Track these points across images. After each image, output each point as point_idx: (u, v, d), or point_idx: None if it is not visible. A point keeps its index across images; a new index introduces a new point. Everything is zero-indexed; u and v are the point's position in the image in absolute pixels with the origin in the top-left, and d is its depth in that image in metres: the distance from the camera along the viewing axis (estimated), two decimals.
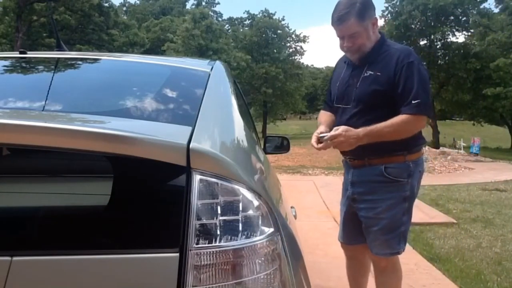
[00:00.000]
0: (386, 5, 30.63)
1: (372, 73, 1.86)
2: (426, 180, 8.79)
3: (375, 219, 1.91)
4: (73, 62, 1.65)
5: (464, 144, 19.45)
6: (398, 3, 29.77)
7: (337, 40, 1.96)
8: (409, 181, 1.88)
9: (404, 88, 1.79)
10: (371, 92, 1.86)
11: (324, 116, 2.13)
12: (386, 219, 1.88)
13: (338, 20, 1.84)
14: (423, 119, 1.84)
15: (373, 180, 1.90)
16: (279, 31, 38.94)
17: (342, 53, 2.07)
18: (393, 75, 1.81)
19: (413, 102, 1.77)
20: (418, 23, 29.27)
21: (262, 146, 2.47)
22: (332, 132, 1.80)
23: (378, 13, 1.99)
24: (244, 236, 0.84)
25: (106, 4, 32.03)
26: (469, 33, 29.85)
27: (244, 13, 47.62)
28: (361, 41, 1.86)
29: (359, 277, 2.23)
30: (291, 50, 40.18)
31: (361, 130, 1.79)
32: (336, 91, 2.04)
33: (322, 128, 1.95)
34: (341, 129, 1.79)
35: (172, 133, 0.93)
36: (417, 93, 1.77)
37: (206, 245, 0.81)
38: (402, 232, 1.91)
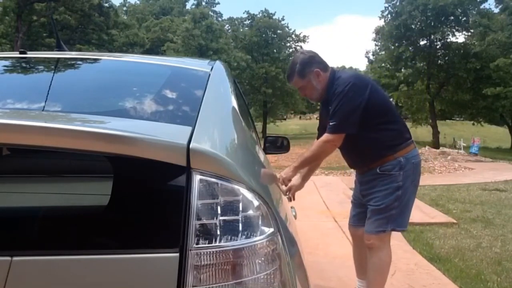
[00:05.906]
0: (386, 5, 30.66)
1: (330, 107, 2.26)
2: (426, 180, 8.86)
3: (374, 205, 2.29)
4: (73, 62, 1.65)
5: (464, 144, 19.46)
6: (398, 3, 29.75)
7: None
8: (401, 173, 2.23)
9: (331, 113, 2.20)
10: None
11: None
12: (382, 204, 2.25)
13: (287, 78, 2.41)
14: (338, 136, 2.20)
15: (373, 178, 2.32)
16: (279, 31, 38.97)
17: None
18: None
19: (330, 124, 2.19)
20: (418, 23, 29.23)
21: (262, 146, 2.47)
22: (284, 188, 2.22)
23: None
24: (244, 236, 0.84)
25: (106, 4, 32.03)
26: (469, 33, 29.83)
27: (244, 13, 47.50)
28: (308, 91, 2.36)
29: (362, 258, 2.49)
30: (291, 50, 40.19)
31: (291, 169, 2.24)
32: (322, 124, 2.45)
33: (288, 173, 2.26)
34: (281, 180, 2.17)
35: (172, 133, 0.92)
36: (334, 114, 2.17)
37: (206, 245, 0.81)
38: (392, 214, 2.25)
